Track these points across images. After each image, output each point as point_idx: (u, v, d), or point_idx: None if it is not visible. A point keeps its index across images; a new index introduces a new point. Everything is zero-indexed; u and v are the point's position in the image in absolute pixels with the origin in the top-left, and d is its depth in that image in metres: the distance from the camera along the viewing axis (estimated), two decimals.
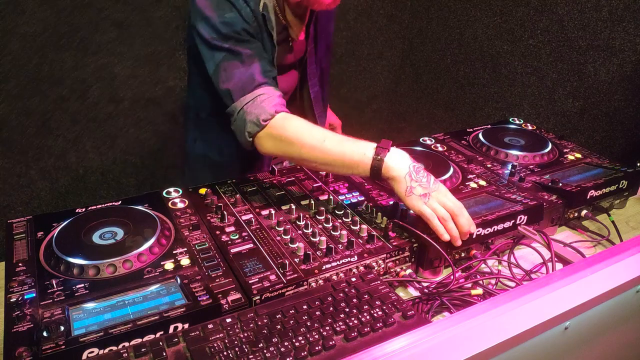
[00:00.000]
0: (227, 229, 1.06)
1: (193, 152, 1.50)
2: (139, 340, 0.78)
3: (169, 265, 0.93)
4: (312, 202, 1.16)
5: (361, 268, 0.98)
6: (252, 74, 1.16)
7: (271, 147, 1.16)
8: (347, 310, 0.82)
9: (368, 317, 0.81)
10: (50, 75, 2.13)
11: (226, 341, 0.75)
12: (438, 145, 1.48)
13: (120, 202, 1.13)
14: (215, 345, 0.74)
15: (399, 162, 1.04)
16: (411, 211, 1.12)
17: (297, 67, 1.49)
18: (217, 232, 1.04)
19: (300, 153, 1.12)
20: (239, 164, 1.47)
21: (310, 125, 1.14)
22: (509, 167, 1.33)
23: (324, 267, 0.95)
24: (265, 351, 0.73)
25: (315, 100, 1.54)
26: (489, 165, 1.36)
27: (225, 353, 0.73)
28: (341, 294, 0.86)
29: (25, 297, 0.84)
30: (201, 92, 1.37)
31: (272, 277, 0.91)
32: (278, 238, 1.03)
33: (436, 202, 1.03)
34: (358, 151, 1.06)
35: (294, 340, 0.75)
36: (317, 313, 0.81)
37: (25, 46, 2.04)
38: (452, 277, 1.00)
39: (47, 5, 2.02)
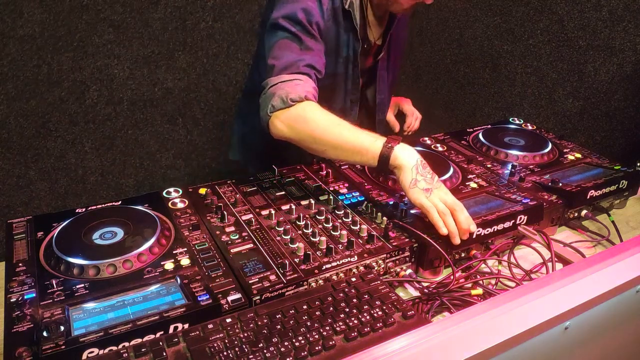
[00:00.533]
0: (227, 229, 1.05)
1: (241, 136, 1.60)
2: (139, 340, 0.78)
3: (169, 265, 0.93)
4: (312, 202, 1.16)
5: (361, 268, 0.98)
6: (302, 59, 1.18)
7: (287, 126, 1.15)
8: (347, 310, 0.82)
9: (368, 317, 0.81)
10: (49, 76, 2.13)
11: (226, 341, 0.75)
12: (438, 145, 1.48)
13: (120, 202, 1.13)
14: (215, 345, 0.74)
15: (408, 154, 1.08)
16: (412, 211, 1.12)
17: (366, 71, 1.51)
18: (217, 232, 1.04)
19: (313, 135, 1.13)
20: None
21: (324, 110, 1.15)
22: (509, 167, 1.33)
23: (324, 267, 0.95)
24: (265, 351, 0.73)
25: (379, 106, 1.58)
26: (489, 165, 1.36)
27: (225, 353, 0.73)
28: (341, 294, 0.86)
29: (25, 297, 0.84)
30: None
31: (272, 277, 0.91)
32: (278, 238, 1.03)
33: (437, 198, 1.05)
34: (369, 138, 1.10)
35: (294, 340, 0.75)
36: (317, 313, 0.81)
37: (24, 48, 2.04)
38: (452, 277, 1.00)
39: (45, 7, 2.02)
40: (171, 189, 1.19)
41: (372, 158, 1.09)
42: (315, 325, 0.78)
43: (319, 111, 1.15)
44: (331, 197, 1.17)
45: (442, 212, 1.04)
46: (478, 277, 1.03)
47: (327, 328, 0.78)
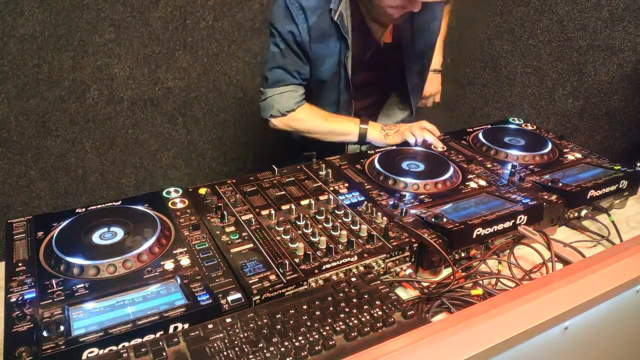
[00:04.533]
0: (227, 229, 1.05)
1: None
2: (139, 340, 0.78)
3: (169, 265, 0.93)
4: (312, 202, 1.16)
5: (361, 268, 0.98)
6: (289, 72, 1.49)
7: (286, 126, 1.56)
8: (347, 310, 0.82)
9: (368, 317, 0.81)
10: (49, 76, 2.13)
11: (226, 341, 0.75)
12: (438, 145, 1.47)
13: (120, 202, 1.13)
14: (215, 345, 0.74)
15: (374, 128, 1.53)
16: (412, 210, 1.12)
17: (389, 66, 1.65)
18: (217, 232, 1.04)
19: (310, 129, 1.56)
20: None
21: (314, 108, 1.55)
22: (509, 167, 1.33)
23: (324, 267, 0.95)
24: (265, 351, 0.73)
25: (412, 92, 1.73)
26: (489, 165, 1.36)
27: (225, 353, 0.73)
28: (341, 294, 0.86)
29: (25, 297, 0.84)
30: None
31: (272, 277, 0.91)
32: (278, 238, 1.03)
33: (407, 128, 1.48)
34: (350, 124, 1.54)
35: (294, 340, 0.75)
36: (317, 313, 0.81)
37: (24, 47, 2.04)
38: (452, 277, 1.00)
39: (45, 6, 2.02)
40: (171, 189, 1.19)
41: (354, 138, 1.54)
42: (315, 325, 0.78)
43: (310, 110, 1.55)
44: (331, 197, 1.17)
45: (415, 132, 1.46)
46: (478, 277, 1.03)
47: (327, 328, 0.78)
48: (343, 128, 1.53)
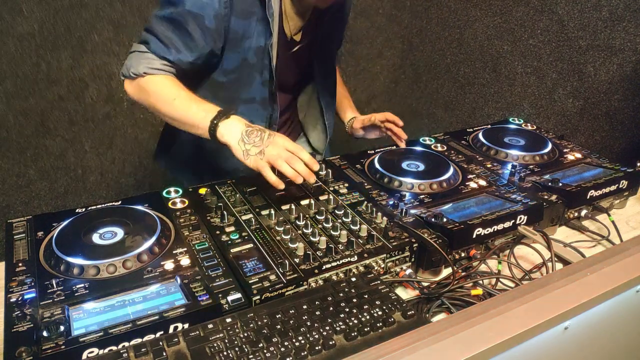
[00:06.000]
0: (227, 229, 1.05)
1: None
2: (139, 340, 0.78)
3: (169, 265, 0.93)
4: (312, 202, 1.16)
5: (361, 268, 0.98)
6: (170, 38, 1.19)
7: (135, 93, 1.25)
8: (347, 310, 0.82)
9: (368, 317, 0.81)
10: (48, 75, 2.13)
11: (226, 341, 0.75)
12: (438, 145, 1.48)
13: (120, 202, 1.13)
14: (215, 345, 0.74)
15: (231, 129, 1.11)
16: (412, 211, 1.12)
17: (302, 68, 1.47)
18: (217, 232, 1.04)
19: (155, 106, 1.21)
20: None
21: (171, 82, 1.20)
22: (509, 167, 1.33)
23: (324, 267, 0.95)
24: (265, 351, 0.73)
25: (326, 108, 1.55)
26: (489, 165, 1.36)
27: (225, 353, 0.73)
28: (341, 294, 0.86)
29: (25, 297, 0.84)
30: None
31: (272, 277, 0.91)
32: (278, 238, 1.03)
33: (273, 156, 1.08)
34: (201, 114, 1.14)
35: (294, 340, 0.75)
36: (317, 313, 0.81)
37: (23, 46, 2.04)
38: (452, 277, 1.00)
39: (44, 4, 2.02)
40: (171, 189, 1.19)
41: (204, 133, 1.14)
42: (315, 325, 0.78)
43: (163, 84, 1.20)
44: (331, 197, 1.17)
45: (280, 168, 1.08)
46: (478, 277, 1.03)
47: (327, 328, 0.78)
48: (190, 116, 1.15)
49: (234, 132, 1.10)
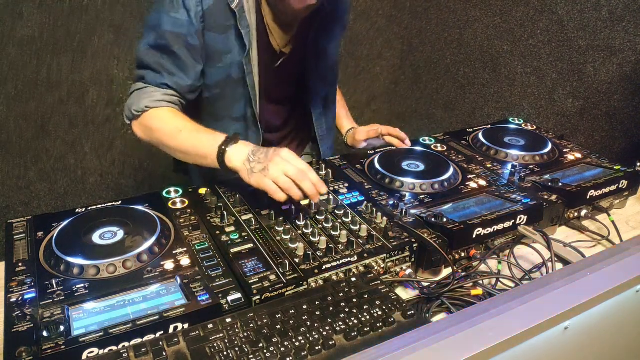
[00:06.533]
0: (227, 229, 1.05)
1: None
2: (139, 340, 0.78)
3: (169, 265, 0.93)
4: (312, 202, 1.15)
5: (361, 268, 0.98)
6: (161, 64, 1.18)
7: (142, 133, 1.23)
8: (347, 310, 0.82)
9: (368, 317, 0.81)
10: (49, 78, 2.13)
11: (226, 341, 0.75)
12: (438, 145, 1.48)
13: (120, 202, 1.13)
14: (215, 345, 0.74)
15: (239, 152, 1.08)
16: (412, 210, 1.12)
17: (291, 83, 1.43)
18: (217, 232, 1.04)
19: (163, 142, 1.19)
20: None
21: (174, 115, 1.18)
22: (509, 167, 1.33)
23: (324, 267, 0.95)
24: (265, 351, 0.73)
25: (317, 122, 1.51)
26: (489, 165, 1.36)
27: (225, 353, 0.73)
28: (341, 294, 0.86)
29: (25, 297, 0.84)
30: None
31: (272, 277, 0.91)
32: (278, 238, 1.03)
33: (276, 172, 1.03)
34: (209, 143, 1.10)
35: (294, 340, 0.75)
36: (317, 313, 0.81)
37: (23, 50, 2.04)
38: (452, 277, 1.00)
39: (44, 9, 2.02)
40: (171, 189, 1.19)
41: (213, 162, 1.10)
42: (316, 325, 0.78)
43: (167, 118, 1.18)
44: (331, 197, 1.17)
45: (283, 186, 1.02)
46: (478, 277, 1.03)
47: (327, 328, 0.78)
48: (198, 146, 1.12)
49: (241, 154, 1.07)
